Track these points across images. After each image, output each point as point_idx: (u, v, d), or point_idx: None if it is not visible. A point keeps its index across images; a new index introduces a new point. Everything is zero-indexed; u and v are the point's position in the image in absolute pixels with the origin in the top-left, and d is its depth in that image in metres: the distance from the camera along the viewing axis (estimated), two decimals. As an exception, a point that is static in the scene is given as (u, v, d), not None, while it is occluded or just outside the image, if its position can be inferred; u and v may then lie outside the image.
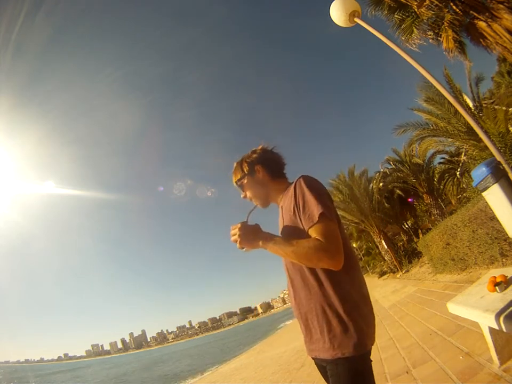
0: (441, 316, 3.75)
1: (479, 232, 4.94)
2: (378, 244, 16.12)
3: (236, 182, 1.24)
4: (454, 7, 6.94)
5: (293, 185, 1.06)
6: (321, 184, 1.07)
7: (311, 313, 0.99)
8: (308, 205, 0.98)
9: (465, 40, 7.43)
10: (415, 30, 7.67)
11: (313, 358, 1.07)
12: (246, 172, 1.21)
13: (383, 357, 3.38)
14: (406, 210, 19.00)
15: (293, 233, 1.01)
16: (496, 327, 1.63)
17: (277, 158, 1.25)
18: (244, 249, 1.00)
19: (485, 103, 8.79)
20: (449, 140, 9.10)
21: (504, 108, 7.17)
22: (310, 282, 0.99)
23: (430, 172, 14.40)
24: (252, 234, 0.98)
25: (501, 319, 1.53)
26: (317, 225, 0.93)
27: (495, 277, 1.88)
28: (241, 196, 1.25)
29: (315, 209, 0.95)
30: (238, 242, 0.97)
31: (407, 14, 7.68)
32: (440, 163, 15.60)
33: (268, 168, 1.21)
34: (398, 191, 17.10)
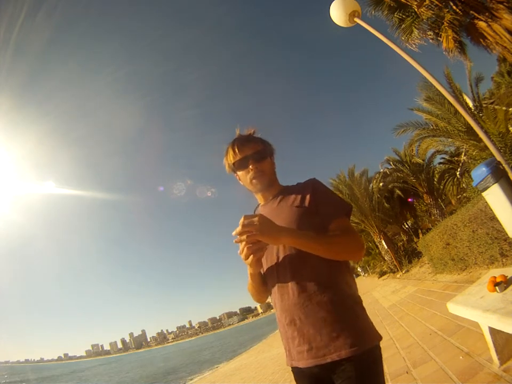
0: (441, 315, 3.75)
1: (479, 232, 4.94)
2: (378, 244, 16.10)
3: (261, 149, 1.10)
4: (454, 7, 6.94)
5: (306, 183, 1.08)
6: None
7: (336, 310, 0.90)
8: (332, 199, 1.03)
9: (465, 40, 7.45)
10: (415, 30, 7.68)
11: (312, 368, 0.90)
12: (269, 151, 1.14)
13: (383, 357, 3.36)
14: (406, 210, 18.98)
15: (303, 226, 0.96)
16: (496, 327, 1.64)
17: None
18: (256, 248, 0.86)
19: (485, 103, 8.78)
20: (449, 140, 9.10)
21: (504, 108, 7.17)
22: (332, 281, 0.93)
23: (430, 172, 14.38)
24: (274, 226, 0.86)
25: (501, 319, 1.53)
26: (344, 218, 1.00)
27: (495, 277, 1.88)
28: (250, 165, 1.06)
29: (342, 204, 1.02)
30: (257, 232, 0.83)
31: (407, 14, 7.68)
32: (440, 163, 15.57)
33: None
34: (398, 191, 17.08)
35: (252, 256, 0.86)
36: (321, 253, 0.89)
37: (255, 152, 1.08)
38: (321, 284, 0.92)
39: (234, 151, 1.09)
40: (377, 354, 0.91)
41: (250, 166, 1.06)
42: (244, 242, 0.86)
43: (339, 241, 0.91)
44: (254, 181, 1.08)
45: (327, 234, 0.95)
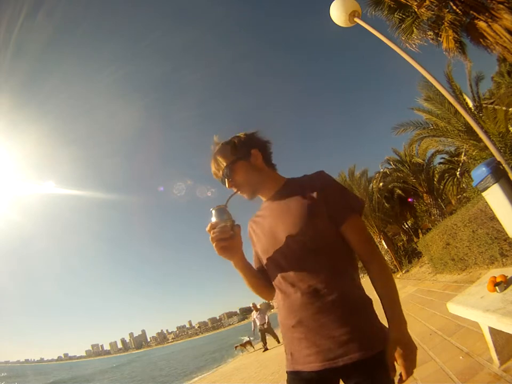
0: (441, 315, 3.75)
1: (479, 232, 4.94)
2: (378, 244, 16.11)
3: (225, 166, 1.00)
4: (454, 7, 6.95)
5: (315, 177, 0.98)
6: None
7: (347, 311, 0.86)
8: (343, 197, 0.94)
9: (465, 40, 7.45)
10: (415, 30, 7.68)
11: (321, 371, 0.84)
12: (240, 155, 1.01)
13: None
14: (406, 210, 18.97)
15: (311, 227, 0.90)
16: (496, 327, 1.63)
17: (271, 144, 1.10)
18: None
19: (485, 103, 8.78)
20: (449, 139, 9.10)
21: (504, 108, 7.18)
22: (341, 281, 0.89)
23: (430, 171, 14.38)
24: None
25: (501, 319, 1.53)
26: (356, 216, 0.93)
27: (495, 277, 1.88)
28: (227, 185, 1.02)
29: (353, 201, 0.94)
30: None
31: (407, 14, 7.68)
32: (440, 163, 15.58)
33: (265, 153, 1.05)
34: (398, 191, 17.08)
35: (216, 242, 0.91)
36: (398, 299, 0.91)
37: (225, 168, 1.01)
38: (330, 284, 0.87)
39: (213, 172, 1.07)
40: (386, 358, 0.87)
41: (227, 186, 1.02)
42: (215, 232, 0.91)
43: (388, 281, 0.90)
44: (239, 194, 1.02)
45: (379, 267, 0.90)
